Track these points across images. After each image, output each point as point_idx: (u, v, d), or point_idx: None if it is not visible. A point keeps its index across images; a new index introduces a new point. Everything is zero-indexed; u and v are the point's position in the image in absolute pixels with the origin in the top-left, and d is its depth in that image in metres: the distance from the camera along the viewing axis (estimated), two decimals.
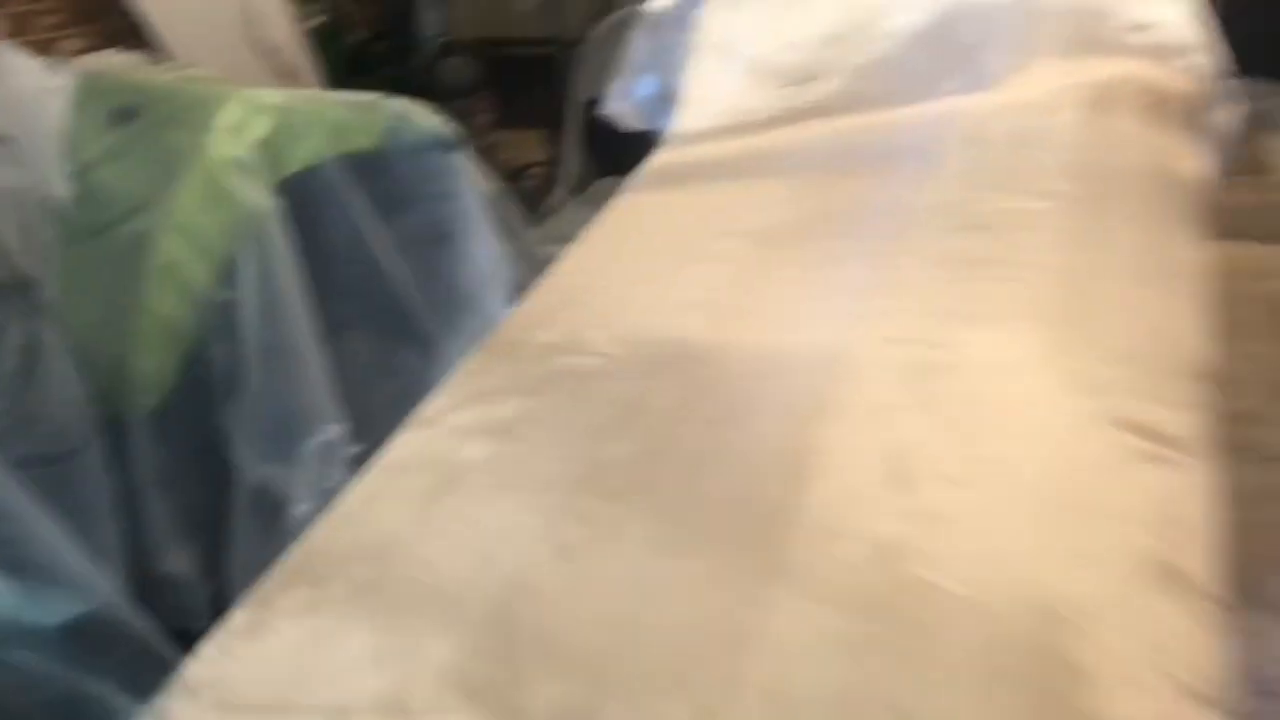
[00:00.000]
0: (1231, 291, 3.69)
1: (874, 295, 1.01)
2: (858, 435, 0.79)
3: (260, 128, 2.43)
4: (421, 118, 2.64)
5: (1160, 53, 1.61)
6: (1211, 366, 0.91)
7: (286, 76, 3.54)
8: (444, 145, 2.69)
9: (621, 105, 2.10)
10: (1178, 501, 0.72)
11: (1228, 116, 1.59)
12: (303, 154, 2.50)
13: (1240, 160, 4.02)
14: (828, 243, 1.14)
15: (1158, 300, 0.96)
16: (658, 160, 1.60)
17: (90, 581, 2.01)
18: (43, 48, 3.04)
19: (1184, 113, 1.48)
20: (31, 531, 2.01)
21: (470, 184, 2.73)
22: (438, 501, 0.81)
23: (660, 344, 1.00)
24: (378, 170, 2.62)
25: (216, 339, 2.37)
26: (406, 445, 0.90)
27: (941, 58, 1.67)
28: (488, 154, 4.22)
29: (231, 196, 2.36)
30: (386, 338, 2.86)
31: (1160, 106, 1.46)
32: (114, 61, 2.70)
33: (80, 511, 2.17)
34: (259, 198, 2.38)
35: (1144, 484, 0.73)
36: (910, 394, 0.84)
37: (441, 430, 0.91)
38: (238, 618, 0.73)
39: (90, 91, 2.58)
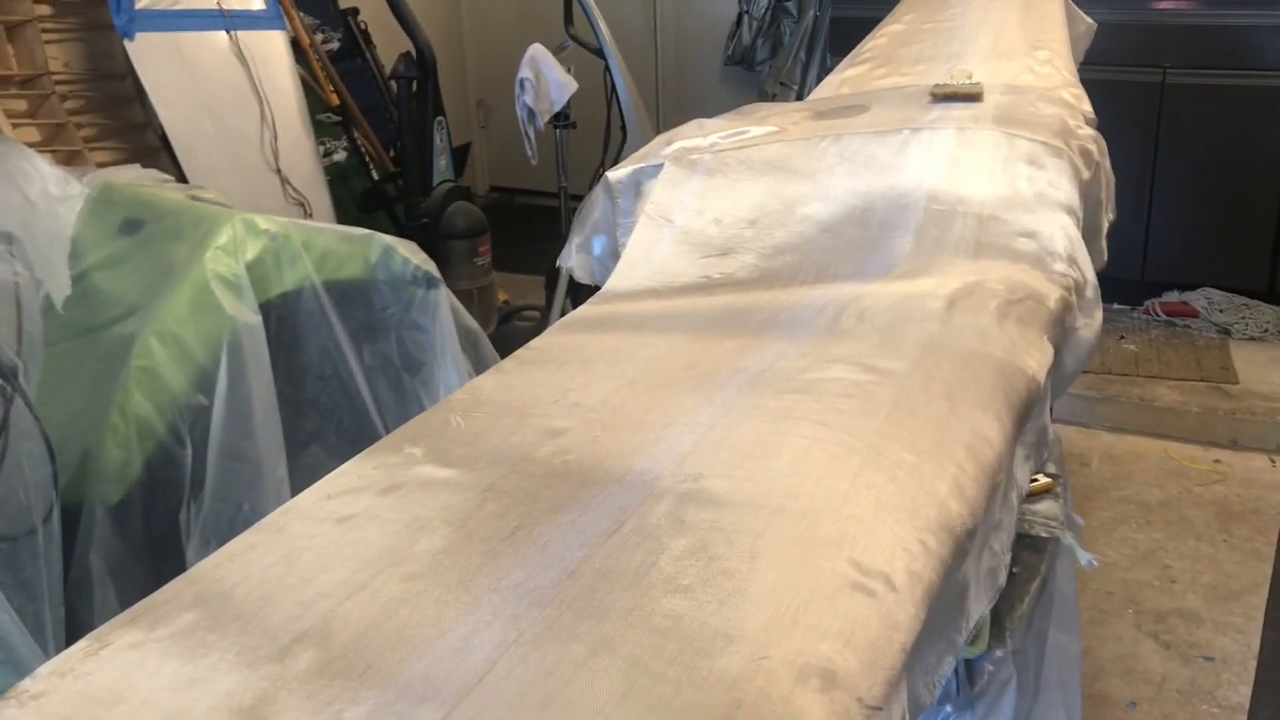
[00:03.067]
0: (1183, 493, 3.79)
1: (698, 437, 1.17)
2: (622, 553, 0.93)
3: (253, 249, 2.63)
4: (407, 254, 2.83)
5: (1040, 260, 1.80)
6: (961, 523, 1.06)
7: (299, 206, 3.78)
8: (425, 281, 2.88)
9: (577, 260, 2.28)
10: (866, 626, 0.86)
11: (1090, 322, 1.76)
12: (291, 277, 2.69)
13: (1203, 368, 4.20)
14: (682, 393, 1.30)
15: (930, 466, 1.11)
16: (581, 310, 1.77)
17: (29, 657, 2.11)
18: (72, 157, 3.29)
19: (1047, 314, 1.65)
20: None
21: (447, 319, 2.91)
22: (269, 570, 0.95)
23: (510, 463, 1.16)
24: (360, 298, 2.81)
25: (185, 442, 2.51)
26: (265, 528, 1.04)
27: (847, 246, 1.86)
28: (485, 294, 4.43)
29: (219, 310, 2.54)
30: (349, 454, 2.98)
31: (1023, 305, 1.63)
32: (130, 175, 2.93)
33: (28, 589, 2.29)
34: (245, 314, 2.56)
35: (845, 608, 0.87)
36: (679, 520, 0.99)
37: (297, 518, 1.06)
38: (78, 644, 0.88)
39: (104, 201, 2.80)
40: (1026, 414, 1.42)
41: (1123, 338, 4.36)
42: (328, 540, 1.00)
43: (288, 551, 0.99)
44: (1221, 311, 4.40)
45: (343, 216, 4.06)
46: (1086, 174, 1.99)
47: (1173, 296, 4.52)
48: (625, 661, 0.80)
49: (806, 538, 0.97)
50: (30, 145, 2.99)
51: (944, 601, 1.10)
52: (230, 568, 0.97)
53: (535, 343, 1.62)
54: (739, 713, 0.75)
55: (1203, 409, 3.97)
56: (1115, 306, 4.53)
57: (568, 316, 1.77)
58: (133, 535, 2.51)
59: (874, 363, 1.36)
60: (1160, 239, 4.48)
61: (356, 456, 1.21)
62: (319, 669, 0.81)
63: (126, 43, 3.45)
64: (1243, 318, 4.36)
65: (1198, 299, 4.46)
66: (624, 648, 0.82)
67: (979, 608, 1.22)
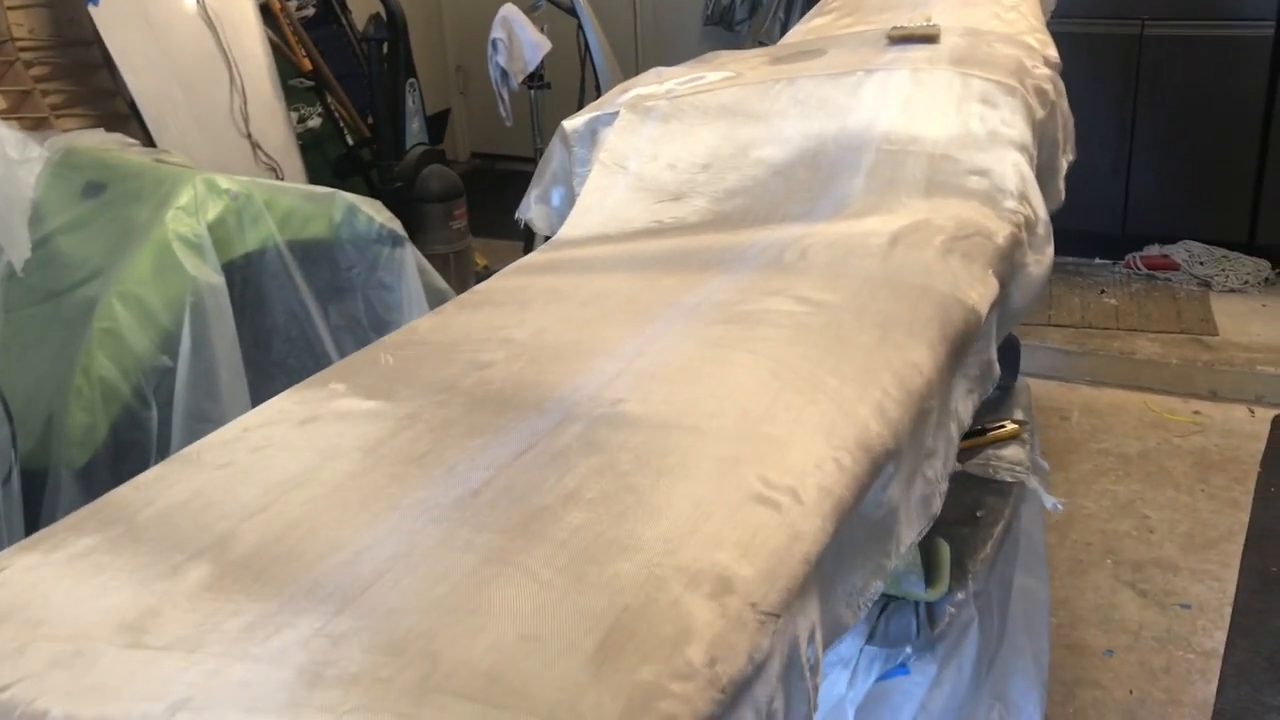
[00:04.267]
0: (1162, 444, 3.78)
1: (623, 365, 1.16)
2: (527, 472, 0.93)
3: (215, 209, 2.60)
4: (371, 212, 2.81)
5: (991, 197, 1.78)
6: (880, 443, 1.05)
7: (271, 171, 3.76)
8: (391, 240, 2.86)
9: (536, 211, 2.27)
10: (768, 536, 0.85)
11: (1041, 259, 1.75)
12: (254, 237, 2.67)
13: (1183, 320, 4.19)
14: (614, 326, 1.29)
15: (853, 389, 1.10)
16: (530, 257, 1.76)
17: None
18: (39, 125, 3.27)
19: (994, 250, 1.64)
20: None
21: (413, 277, 2.89)
22: (174, 497, 0.95)
23: (432, 394, 1.15)
24: (325, 258, 2.78)
25: (150, 404, 2.50)
26: (177, 460, 1.04)
27: (798, 188, 1.84)
28: (461, 258, 4.41)
29: (181, 271, 2.52)
30: None
31: (970, 241, 1.62)
32: (94, 139, 2.91)
33: None
34: (207, 274, 2.54)
35: (747, 519, 0.86)
36: (590, 442, 0.98)
37: (212, 449, 1.05)
38: None
39: (66, 165, 2.78)
40: (966, 346, 1.41)
41: (1103, 291, 4.35)
42: (238, 469, 0.99)
43: (196, 480, 0.98)
44: (1202, 264, 4.38)
45: (317, 182, 4.00)
46: (1041, 113, 1.97)
47: (1153, 250, 4.50)
48: (515, 570, 0.79)
49: (717, 456, 0.96)
50: None
51: (867, 524, 1.09)
52: (136, 496, 0.96)
53: (478, 287, 1.61)
54: (625, 615, 0.74)
55: (1182, 361, 3.96)
56: (1096, 261, 4.51)
57: (515, 263, 1.75)
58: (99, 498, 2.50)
59: (810, 295, 1.35)
60: (1140, 192, 4.45)
61: (282, 394, 1.20)
62: (207, 585, 0.80)
63: (91, 8, 3.42)
64: (1223, 270, 4.34)
65: (1178, 252, 4.44)
66: (516, 557, 0.81)
67: (910, 534, 1.22)
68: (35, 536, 0.91)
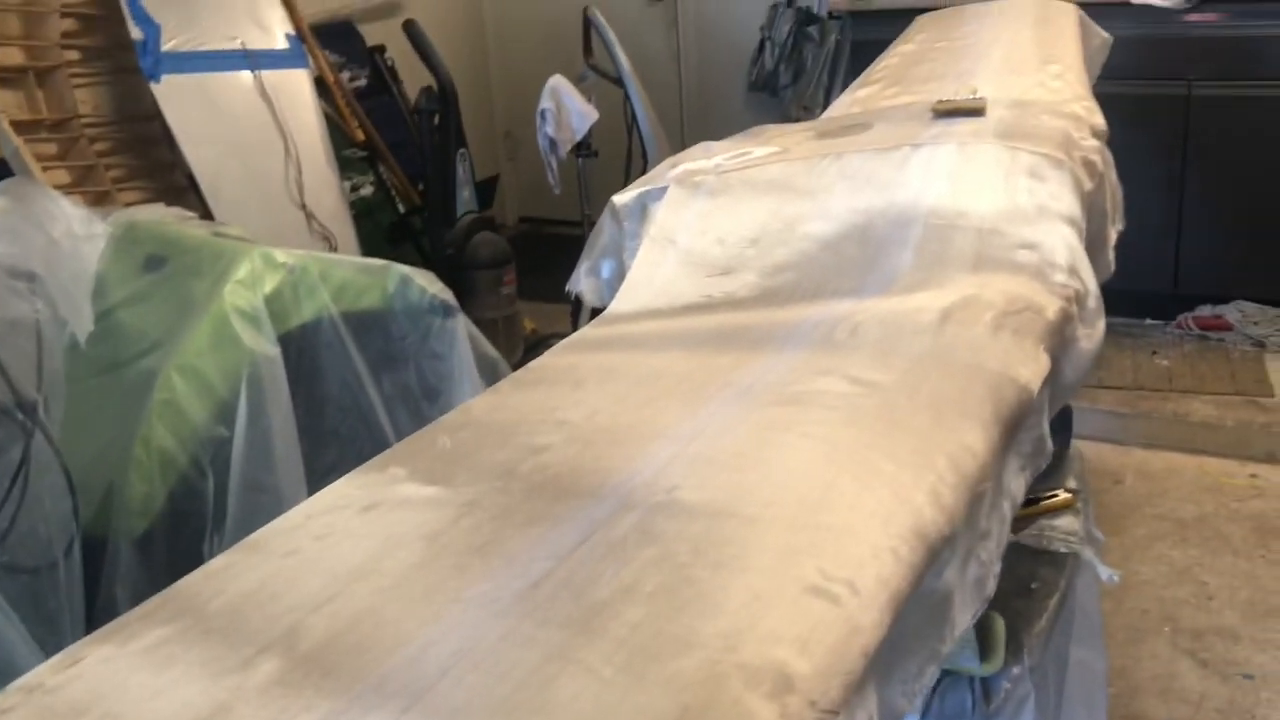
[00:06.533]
0: (1220, 508, 3.72)
1: (678, 450, 1.17)
2: (586, 564, 0.94)
3: (272, 282, 2.66)
4: (424, 283, 2.86)
5: (1040, 271, 1.78)
6: (936, 530, 1.05)
7: (325, 241, 3.83)
8: (442, 310, 2.90)
9: (586, 284, 2.29)
10: (827, 630, 0.86)
11: (1091, 333, 1.75)
12: (309, 308, 2.72)
13: (1238, 381, 4.14)
14: (668, 408, 1.31)
15: (908, 475, 1.11)
16: (582, 332, 1.78)
17: None
18: (102, 198, 3.36)
19: (1045, 325, 1.64)
20: None
21: (464, 347, 2.93)
22: (243, 586, 0.97)
23: (490, 480, 1.17)
24: (378, 328, 2.83)
25: (207, 474, 2.54)
26: (244, 547, 1.06)
27: (846, 263, 1.86)
28: (510, 324, 4.46)
29: (238, 343, 2.57)
30: None
31: (1020, 316, 1.62)
32: (154, 213, 2.99)
33: (51, 622, 2.32)
34: (263, 346, 2.59)
35: (805, 612, 0.87)
36: (646, 532, 0.99)
37: (277, 536, 1.07)
38: (51, 660, 0.90)
39: (128, 239, 2.85)
40: (1018, 424, 1.41)
41: (1155, 352, 4.31)
42: (303, 557, 1.01)
43: (263, 568, 1.00)
44: (1255, 324, 4.34)
45: (370, 250, 4.10)
46: (1090, 185, 1.97)
47: (1205, 310, 4.47)
48: (577, 667, 0.80)
49: (774, 546, 0.97)
50: (60, 187, 3.06)
51: (922, 609, 1.09)
52: (206, 584, 0.98)
53: (532, 364, 1.63)
54: (687, 715, 0.75)
55: (1238, 423, 3.91)
56: (1148, 321, 4.48)
57: (568, 339, 1.78)
58: (157, 567, 2.54)
59: (862, 375, 1.36)
60: (1191, 253, 4.42)
61: (344, 477, 1.23)
62: (277, 679, 0.82)
63: (153, 85, 3.53)
64: (1277, 330, 4.30)
65: (1231, 312, 4.40)
66: (578, 654, 0.82)
67: (965, 618, 1.21)
68: (110, 627, 0.93)
